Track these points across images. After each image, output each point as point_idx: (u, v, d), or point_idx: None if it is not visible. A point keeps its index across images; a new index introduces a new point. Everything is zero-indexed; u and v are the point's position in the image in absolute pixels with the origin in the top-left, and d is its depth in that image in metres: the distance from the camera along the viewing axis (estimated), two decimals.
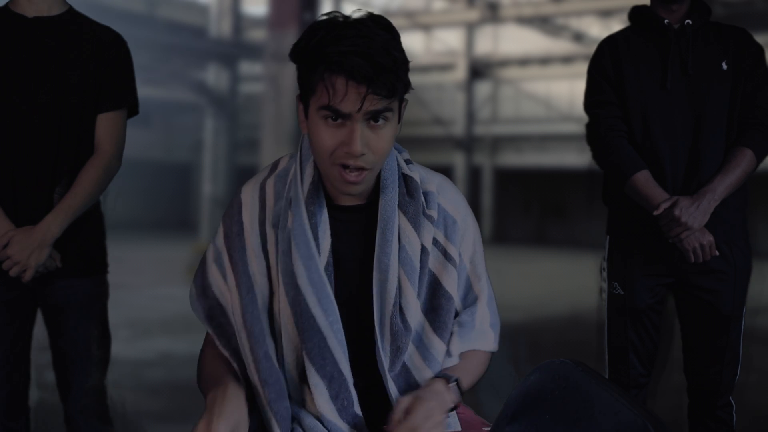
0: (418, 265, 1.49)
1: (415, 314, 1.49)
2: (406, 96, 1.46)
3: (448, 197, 1.56)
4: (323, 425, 1.45)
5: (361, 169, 1.40)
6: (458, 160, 19.77)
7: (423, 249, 1.50)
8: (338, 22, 1.38)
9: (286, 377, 1.48)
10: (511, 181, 20.56)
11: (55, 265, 2.15)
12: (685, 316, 2.42)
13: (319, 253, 1.46)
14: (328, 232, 1.47)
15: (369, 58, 1.33)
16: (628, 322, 2.39)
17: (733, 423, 2.41)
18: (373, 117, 1.38)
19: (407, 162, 1.56)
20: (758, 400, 4.15)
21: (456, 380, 1.47)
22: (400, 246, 1.48)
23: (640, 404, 1.29)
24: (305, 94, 1.42)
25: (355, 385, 1.48)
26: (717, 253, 2.27)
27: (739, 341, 2.39)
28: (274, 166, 1.57)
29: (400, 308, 1.48)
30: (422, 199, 1.52)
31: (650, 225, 2.29)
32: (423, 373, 1.51)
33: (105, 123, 2.22)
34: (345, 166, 1.40)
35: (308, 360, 1.44)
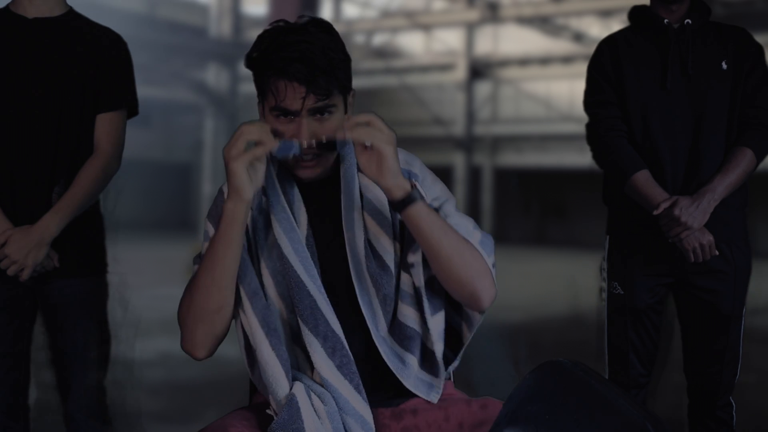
0: (389, 215, 1.58)
1: (393, 257, 1.57)
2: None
3: (401, 156, 1.61)
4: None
5: (314, 155, 1.54)
6: (458, 160, 19.76)
7: None
8: (282, 29, 1.54)
9: None
10: (511, 181, 20.56)
11: (52, 265, 2.15)
12: (685, 316, 2.42)
13: (298, 226, 1.58)
14: (303, 208, 1.60)
15: (307, 62, 1.48)
16: (628, 322, 2.39)
17: (733, 423, 2.41)
18: (319, 111, 1.52)
19: None
20: (758, 400, 4.15)
21: (420, 193, 1.51)
22: (365, 200, 1.59)
23: (640, 404, 1.29)
24: (260, 97, 1.57)
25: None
26: (717, 252, 2.27)
27: (739, 341, 2.39)
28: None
29: (376, 255, 1.57)
30: None
31: (650, 225, 2.29)
32: (404, 311, 1.57)
33: (104, 123, 2.22)
34: (298, 157, 1.53)
35: (302, 322, 1.53)
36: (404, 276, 1.58)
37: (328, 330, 1.52)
